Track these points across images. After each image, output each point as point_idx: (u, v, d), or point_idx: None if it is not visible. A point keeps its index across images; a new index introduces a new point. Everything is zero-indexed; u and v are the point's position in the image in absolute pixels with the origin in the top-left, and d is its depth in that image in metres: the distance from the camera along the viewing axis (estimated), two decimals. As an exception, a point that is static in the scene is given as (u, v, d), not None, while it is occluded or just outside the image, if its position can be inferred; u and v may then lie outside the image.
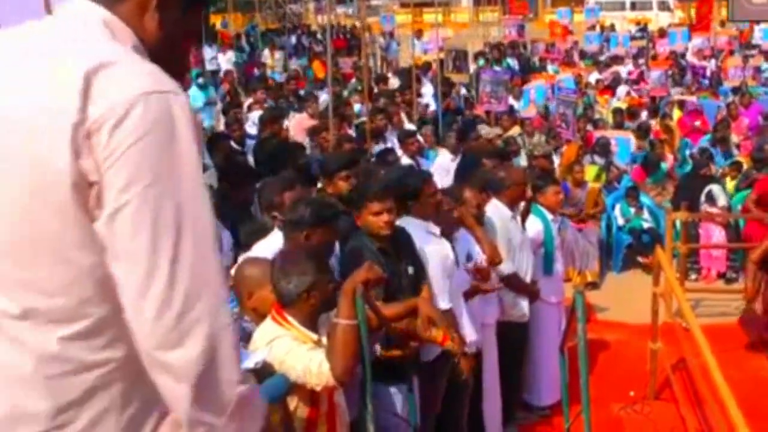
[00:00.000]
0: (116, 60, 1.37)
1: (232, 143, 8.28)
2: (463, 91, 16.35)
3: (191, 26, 1.61)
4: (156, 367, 1.38)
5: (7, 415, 1.43)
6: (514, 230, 5.41)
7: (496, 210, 5.36)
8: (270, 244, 3.97)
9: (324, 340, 3.19)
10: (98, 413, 1.44)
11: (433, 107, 13.66)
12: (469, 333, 4.51)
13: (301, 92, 14.27)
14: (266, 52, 21.27)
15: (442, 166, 8.34)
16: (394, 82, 17.02)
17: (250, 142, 8.94)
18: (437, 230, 4.46)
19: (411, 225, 4.31)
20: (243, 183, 5.73)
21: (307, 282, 3.18)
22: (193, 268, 1.36)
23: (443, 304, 4.21)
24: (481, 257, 4.92)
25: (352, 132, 9.86)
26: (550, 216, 5.88)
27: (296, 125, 10.97)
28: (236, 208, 5.39)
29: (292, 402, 3.11)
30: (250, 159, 7.79)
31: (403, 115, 11.42)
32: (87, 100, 1.32)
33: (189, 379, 1.37)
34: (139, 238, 1.33)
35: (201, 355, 1.37)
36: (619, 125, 12.86)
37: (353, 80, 16.31)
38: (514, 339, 5.39)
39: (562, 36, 23.60)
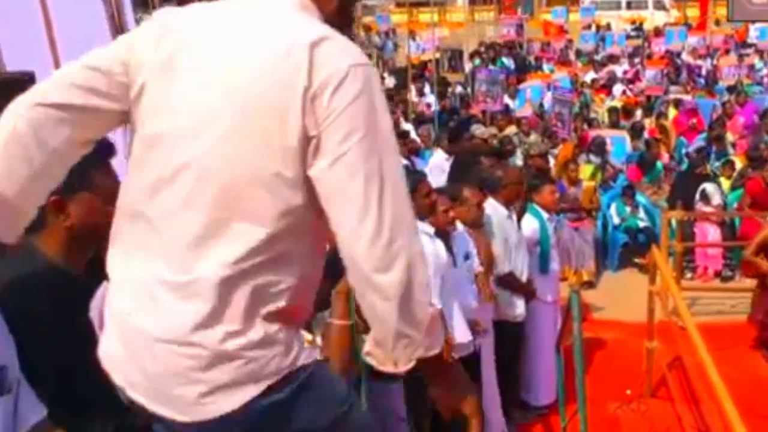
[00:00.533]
0: (328, 35, 1.67)
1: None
2: (459, 89, 16.36)
3: None
4: (369, 288, 1.67)
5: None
6: (510, 229, 5.43)
7: (492, 209, 5.37)
8: None
9: (318, 340, 3.18)
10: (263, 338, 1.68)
11: (434, 107, 13.67)
12: (461, 335, 4.51)
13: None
14: None
15: (438, 166, 8.35)
16: (389, 82, 17.03)
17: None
18: (431, 230, 4.47)
19: None
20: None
21: None
22: (393, 206, 1.64)
23: (435, 304, 4.20)
24: (476, 263, 4.94)
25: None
26: (545, 215, 5.91)
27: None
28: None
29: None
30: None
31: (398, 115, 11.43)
32: (312, 68, 1.61)
33: (396, 298, 1.66)
34: (355, 180, 1.62)
35: (403, 278, 1.65)
36: (614, 124, 12.90)
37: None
38: (510, 338, 5.41)
39: (555, 35, 23.62)
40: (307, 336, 3.15)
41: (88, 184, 2.12)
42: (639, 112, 13.89)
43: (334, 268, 1.82)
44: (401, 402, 4.07)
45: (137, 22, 4.56)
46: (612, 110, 13.60)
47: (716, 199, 9.16)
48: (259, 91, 1.64)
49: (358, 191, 1.62)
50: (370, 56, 21.51)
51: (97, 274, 2.24)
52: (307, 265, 1.76)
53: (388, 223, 1.63)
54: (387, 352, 1.79)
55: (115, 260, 1.82)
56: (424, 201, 4.43)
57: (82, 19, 4.39)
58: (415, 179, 4.61)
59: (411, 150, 8.53)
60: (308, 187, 1.66)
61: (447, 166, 8.04)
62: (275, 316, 1.70)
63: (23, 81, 3.10)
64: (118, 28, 4.26)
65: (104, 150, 2.16)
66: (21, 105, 1.79)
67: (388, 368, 1.82)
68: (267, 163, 1.64)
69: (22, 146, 1.77)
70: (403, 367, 1.81)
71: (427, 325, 1.76)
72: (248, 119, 1.64)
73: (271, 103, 1.63)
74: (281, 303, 1.70)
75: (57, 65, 4.50)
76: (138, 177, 1.77)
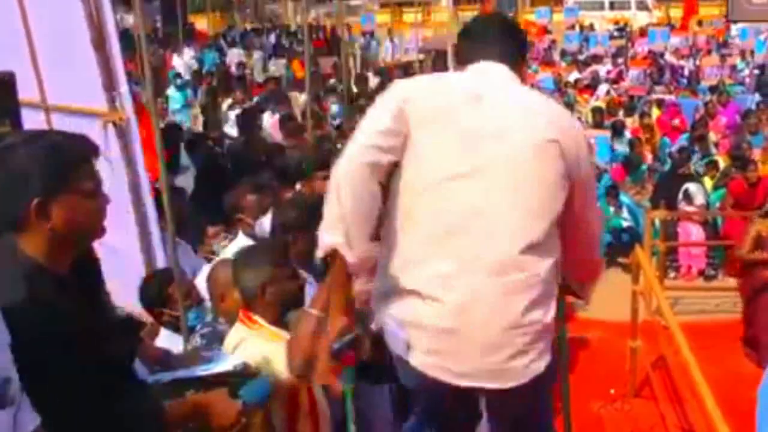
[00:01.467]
0: (554, 107, 2.65)
1: (211, 144, 8.26)
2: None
3: None
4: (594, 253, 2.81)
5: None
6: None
7: None
8: (235, 250, 3.97)
9: None
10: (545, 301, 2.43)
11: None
12: None
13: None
14: (235, 50, 21.06)
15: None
16: (374, 82, 17.01)
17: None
18: None
19: None
20: (221, 185, 5.73)
21: (262, 276, 3.10)
22: None
23: None
24: None
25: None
26: None
27: (273, 126, 10.96)
28: (216, 210, 5.37)
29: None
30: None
31: None
32: (556, 130, 2.45)
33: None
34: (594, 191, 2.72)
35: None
36: (598, 124, 12.92)
37: (332, 80, 16.29)
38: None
39: (537, 35, 23.67)
40: (285, 335, 3.11)
41: (69, 186, 2.10)
42: (621, 112, 13.94)
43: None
44: (388, 404, 4.06)
45: (117, 22, 4.53)
46: (596, 110, 13.65)
47: (699, 199, 9.21)
48: (533, 146, 2.51)
49: (595, 197, 2.90)
50: (353, 57, 21.54)
51: (86, 274, 2.24)
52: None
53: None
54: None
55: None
56: None
57: (60, 19, 4.35)
58: None
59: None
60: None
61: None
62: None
63: (3, 81, 3.07)
64: (96, 27, 4.23)
65: (85, 151, 2.14)
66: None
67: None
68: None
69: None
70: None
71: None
72: None
73: (539, 155, 2.50)
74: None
75: (35, 65, 4.47)
76: None
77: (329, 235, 2.40)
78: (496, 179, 2.37)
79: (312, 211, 3.82)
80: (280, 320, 3.15)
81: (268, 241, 3.56)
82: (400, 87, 2.54)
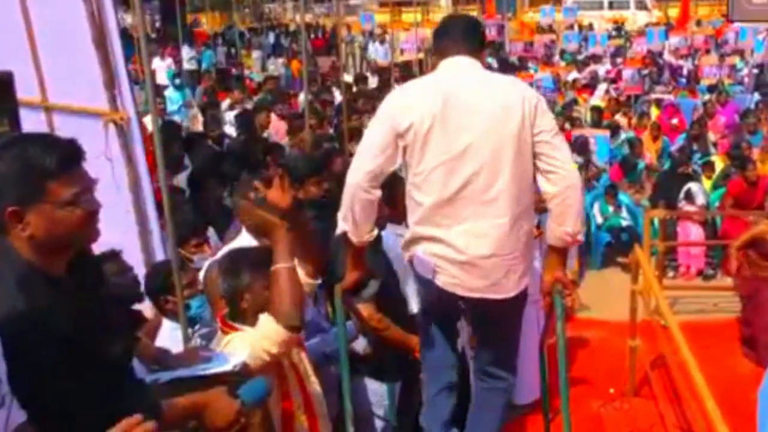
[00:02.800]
0: (517, 81, 3.73)
1: (211, 143, 8.25)
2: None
3: None
4: (572, 191, 3.37)
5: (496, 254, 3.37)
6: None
7: None
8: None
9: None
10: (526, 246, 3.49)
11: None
12: None
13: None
14: (220, 49, 20.97)
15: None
16: (373, 82, 17.01)
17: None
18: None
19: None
20: (216, 184, 5.71)
21: (240, 283, 3.07)
22: None
23: (413, 307, 4.16)
24: None
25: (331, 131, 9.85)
26: None
27: (273, 125, 10.96)
28: (211, 210, 5.36)
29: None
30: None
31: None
32: (524, 102, 3.33)
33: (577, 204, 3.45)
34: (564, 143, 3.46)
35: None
36: (596, 123, 12.92)
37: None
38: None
39: (531, 35, 23.74)
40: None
41: (44, 196, 2.08)
42: (620, 112, 13.94)
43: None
44: (367, 396, 4.08)
45: (118, 21, 4.53)
46: (594, 109, 13.64)
47: (700, 199, 9.20)
48: (505, 119, 3.34)
49: (566, 148, 3.51)
50: (353, 56, 21.53)
51: (85, 274, 2.23)
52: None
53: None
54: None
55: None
56: (402, 202, 4.36)
57: (61, 18, 4.35)
58: (393, 180, 4.55)
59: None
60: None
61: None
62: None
63: (1, 80, 3.07)
64: (98, 25, 4.23)
65: (65, 160, 2.11)
66: None
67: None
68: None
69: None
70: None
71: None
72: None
73: (510, 125, 3.33)
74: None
75: (36, 64, 4.47)
76: None
77: (342, 223, 3.48)
78: (481, 155, 3.27)
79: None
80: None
81: (250, 247, 3.53)
82: (388, 104, 3.42)
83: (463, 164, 3.26)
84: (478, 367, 3.83)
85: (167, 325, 3.89)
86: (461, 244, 3.32)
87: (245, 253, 3.27)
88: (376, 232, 3.49)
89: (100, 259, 2.59)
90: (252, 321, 3.03)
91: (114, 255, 3.83)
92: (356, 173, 3.32)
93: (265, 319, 2.96)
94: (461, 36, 3.48)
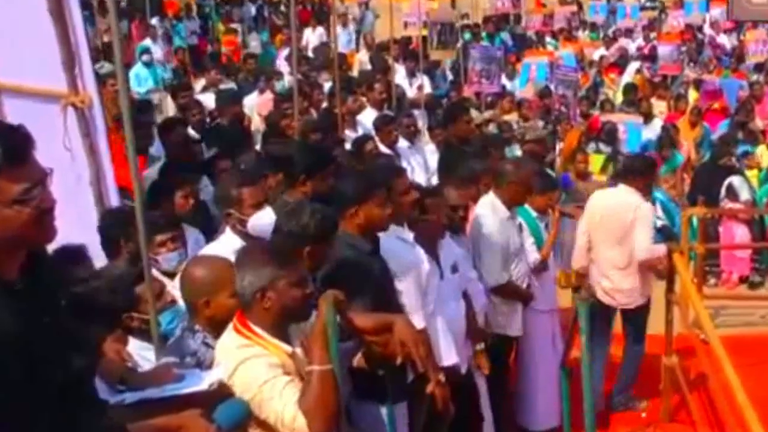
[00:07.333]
0: None
1: (190, 130, 8.20)
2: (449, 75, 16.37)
3: None
4: None
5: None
6: (511, 233, 5.41)
7: (491, 208, 5.36)
8: (221, 249, 3.96)
9: (299, 351, 3.13)
10: None
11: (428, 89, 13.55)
12: (446, 355, 4.50)
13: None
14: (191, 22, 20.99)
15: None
16: (364, 58, 16.97)
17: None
18: (410, 236, 4.46)
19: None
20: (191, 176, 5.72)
21: (262, 279, 3.06)
22: None
23: (418, 323, 4.12)
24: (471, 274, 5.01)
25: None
26: (534, 213, 5.86)
27: (261, 108, 10.96)
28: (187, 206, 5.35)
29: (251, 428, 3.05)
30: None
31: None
32: None
33: None
34: None
35: None
36: (631, 103, 12.81)
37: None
38: (498, 352, 5.40)
39: (537, 9, 23.63)
40: (285, 348, 3.11)
41: None
42: (655, 95, 13.93)
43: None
44: (384, 423, 4.09)
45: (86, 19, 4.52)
46: (628, 87, 13.50)
47: (745, 195, 9.19)
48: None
49: None
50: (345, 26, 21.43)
51: (40, 277, 2.23)
52: None
53: None
54: None
55: None
56: (400, 201, 4.41)
57: (21, 15, 4.35)
58: (390, 175, 4.55)
59: (394, 140, 8.41)
60: None
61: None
62: None
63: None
64: (60, 21, 4.23)
65: (11, 150, 2.08)
66: None
67: None
68: None
69: None
70: None
71: None
72: None
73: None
74: None
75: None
76: None
77: None
78: None
79: (328, 220, 3.82)
80: (280, 332, 3.11)
81: (275, 240, 3.53)
82: None
83: None
84: None
85: (134, 344, 3.87)
86: None
87: (266, 248, 3.28)
88: None
89: (61, 261, 2.59)
90: (274, 322, 3.06)
91: (77, 254, 3.77)
92: None
93: (297, 416, 2.92)
94: None
